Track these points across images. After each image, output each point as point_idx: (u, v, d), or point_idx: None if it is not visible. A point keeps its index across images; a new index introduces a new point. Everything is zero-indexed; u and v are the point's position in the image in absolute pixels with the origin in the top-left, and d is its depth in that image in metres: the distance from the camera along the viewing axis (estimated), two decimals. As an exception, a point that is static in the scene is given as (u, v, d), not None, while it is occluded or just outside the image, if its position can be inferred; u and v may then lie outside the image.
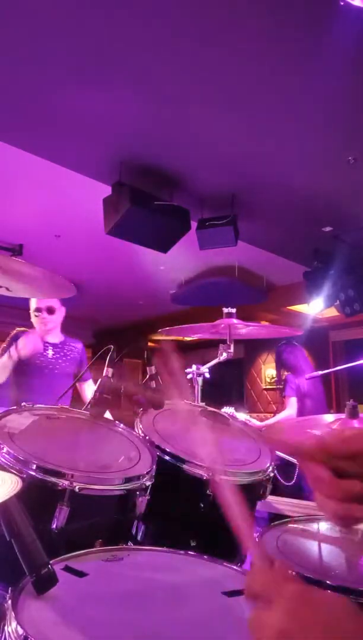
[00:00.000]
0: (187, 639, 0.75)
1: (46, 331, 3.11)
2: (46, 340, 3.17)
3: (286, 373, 4.21)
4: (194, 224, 4.29)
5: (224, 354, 2.06)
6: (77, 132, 3.43)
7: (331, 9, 2.31)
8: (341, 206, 4.48)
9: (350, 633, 0.44)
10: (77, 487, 1.03)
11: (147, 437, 1.34)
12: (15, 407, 1.36)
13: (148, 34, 2.57)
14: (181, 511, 1.26)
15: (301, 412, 3.95)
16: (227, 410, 3.73)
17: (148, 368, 1.46)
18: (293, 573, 0.98)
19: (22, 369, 2.97)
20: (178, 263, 5.82)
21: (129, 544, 1.19)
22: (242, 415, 3.95)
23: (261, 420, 4.49)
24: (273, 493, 1.45)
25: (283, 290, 6.88)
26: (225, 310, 2.12)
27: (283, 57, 2.70)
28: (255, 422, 4.08)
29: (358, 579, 1.01)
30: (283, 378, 4.25)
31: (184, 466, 1.24)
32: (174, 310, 7.93)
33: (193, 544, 1.19)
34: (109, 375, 1.36)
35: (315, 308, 5.61)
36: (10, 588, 0.79)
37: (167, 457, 1.26)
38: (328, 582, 0.95)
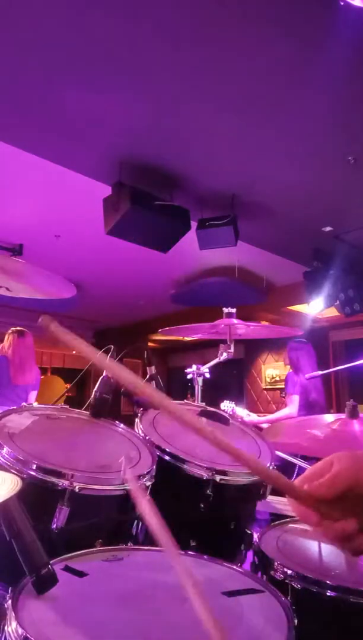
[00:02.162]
0: (187, 639, 0.75)
1: None
2: None
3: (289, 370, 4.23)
4: (194, 224, 4.29)
5: (225, 354, 2.06)
6: (77, 132, 3.43)
7: (331, 9, 2.31)
8: (341, 206, 4.48)
9: None
10: (77, 487, 1.03)
11: (147, 437, 1.34)
12: (15, 407, 1.36)
13: (148, 34, 2.57)
14: (181, 511, 1.26)
15: (302, 411, 3.95)
16: (227, 404, 3.73)
17: (147, 368, 1.46)
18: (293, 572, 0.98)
19: None
20: (178, 263, 5.82)
21: (129, 544, 1.19)
22: (242, 411, 3.96)
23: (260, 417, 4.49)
24: (273, 493, 1.45)
25: (283, 290, 6.88)
26: (225, 310, 2.12)
27: (283, 56, 2.70)
28: (254, 417, 4.08)
29: (358, 579, 1.01)
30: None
31: (184, 466, 1.24)
32: (174, 310, 7.93)
33: (193, 544, 1.19)
34: (109, 375, 1.35)
35: (315, 308, 5.61)
36: (10, 588, 0.79)
37: (167, 457, 1.26)
38: (328, 582, 0.95)
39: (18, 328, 4.20)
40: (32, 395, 4.18)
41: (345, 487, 0.58)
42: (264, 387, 8.46)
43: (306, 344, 4.20)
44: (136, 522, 1.25)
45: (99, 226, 4.06)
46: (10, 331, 4.18)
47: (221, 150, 3.64)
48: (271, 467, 1.35)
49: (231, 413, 2.79)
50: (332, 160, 3.71)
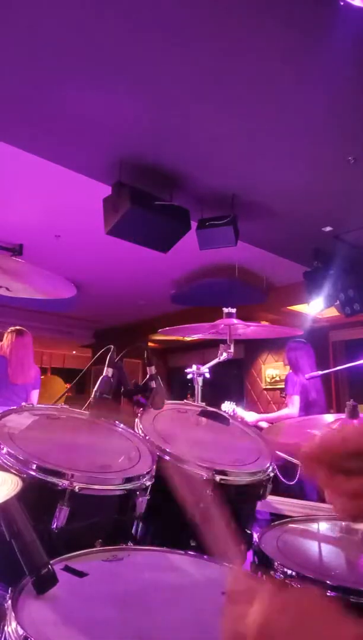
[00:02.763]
0: (187, 639, 0.75)
1: None
2: None
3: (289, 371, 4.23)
4: (194, 224, 4.29)
5: (225, 354, 2.06)
6: (77, 132, 3.43)
7: (331, 9, 2.31)
8: (341, 206, 4.48)
9: (318, 622, 0.47)
10: (77, 487, 1.03)
11: (147, 437, 1.34)
12: (15, 407, 1.36)
13: (148, 34, 2.57)
14: (181, 511, 1.25)
15: (302, 411, 3.95)
16: (228, 405, 3.73)
17: (148, 368, 1.46)
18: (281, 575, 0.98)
19: None
20: (178, 263, 5.82)
21: (129, 544, 1.19)
22: (243, 412, 3.95)
23: None
24: (273, 493, 1.45)
25: (283, 290, 6.88)
26: (225, 310, 2.12)
27: (283, 57, 2.70)
28: (254, 416, 4.08)
29: (358, 579, 1.01)
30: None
31: (184, 466, 1.24)
32: (174, 310, 7.93)
33: (193, 544, 1.19)
34: (109, 375, 1.35)
35: (315, 308, 5.60)
36: (10, 588, 0.79)
37: (167, 457, 1.26)
38: (328, 582, 0.95)
39: (17, 327, 4.20)
40: (34, 394, 4.18)
41: (358, 444, 0.58)
42: (264, 387, 8.46)
43: (305, 344, 4.20)
44: (136, 522, 1.25)
45: (99, 226, 4.06)
46: (8, 330, 4.17)
47: (221, 150, 3.64)
48: (270, 468, 1.35)
49: (232, 414, 2.79)
50: (332, 160, 3.71)
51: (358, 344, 6.98)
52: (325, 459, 0.58)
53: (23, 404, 1.40)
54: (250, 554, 1.22)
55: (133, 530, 1.26)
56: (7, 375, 3.96)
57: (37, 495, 1.03)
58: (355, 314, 5.40)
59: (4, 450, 1.07)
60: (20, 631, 0.69)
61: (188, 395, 2.93)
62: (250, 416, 3.89)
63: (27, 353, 4.13)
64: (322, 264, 5.34)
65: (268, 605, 0.49)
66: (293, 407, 4.00)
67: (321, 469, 0.58)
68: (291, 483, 3.25)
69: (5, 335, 4.15)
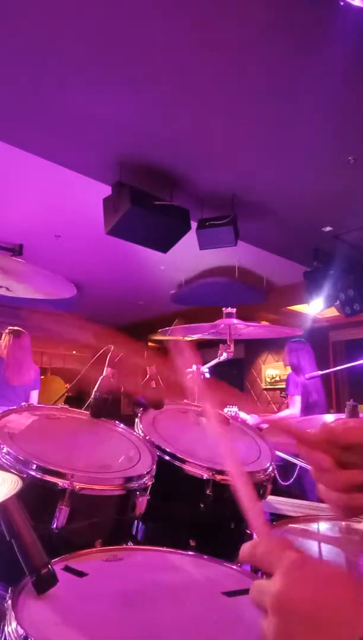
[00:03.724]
0: (187, 639, 0.74)
1: None
2: None
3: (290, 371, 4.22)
4: (194, 224, 4.29)
5: (225, 354, 2.06)
6: (77, 132, 3.43)
7: (331, 9, 2.31)
8: (341, 206, 4.48)
9: (341, 602, 0.45)
10: (77, 487, 1.03)
11: (147, 437, 1.34)
12: (15, 407, 1.36)
13: (148, 35, 2.57)
14: (181, 511, 1.26)
15: (303, 412, 3.95)
16: (231, 409, 3.72)
17: (148, 368, 1.46)
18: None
19: None
20: (178, 263, 5.82)
21: (129, 544, 1.19)
22: (245, 415, 3.95)
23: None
24: (273, 493, 1.45)
25: (283, 290, 6.88)
26: (225, 310, 2.12)
27: (283, 57, 2.70)
28: (256, 418, 4.08)
29: (358, 579, 1.01)
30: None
31: (184, 466, 1.24)
32: (174, 310, 7.93)
33: (192, 544, 1.19)
34: (109, 375, 1.35)
35: (315, 308, 5.60)
36: (10, 588, 0.79)
37: (167, 457, 1.26)
38: (328, 582, 0.95)
39: (15, 328, 4.16)
40: (34, 394, 4.16)
41: (358, 437, 0.58)
42: (264, 387, 8.46)
43: (305, 343, 4.20)
44: (136, 522, 1.25)
45: (99, 226, 4.06)
46: (6, 331, 4.14)
47: (221, 150, 3.64)
48: (270, 468, 1.35)
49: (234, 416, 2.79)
50: (332, 161, 3.71)
51: (358, 344, 6.98)
52: (324, 445, 0.58)
53: (23, 403, 1.40)
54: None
55: (133, 530, 1.26)
56: (4, 377, 3.94)
57: (37, 495, 1.02)
58: (355, 314, 5.40)
59: (4, 450, 1.07)
60: (20, 631, 0.69)
61: (188, 395, 2.93)
62: (252, 419, 3.89)
63: (25, 354, 4.08)
64: (322, 264, 5.34)
65: (290, 576, 0.48)
66: (294, 407, 4.00)
67: (319, 455, 0.58)
68: (287, 483, 3.25)
69: (3, 336, 4.12)
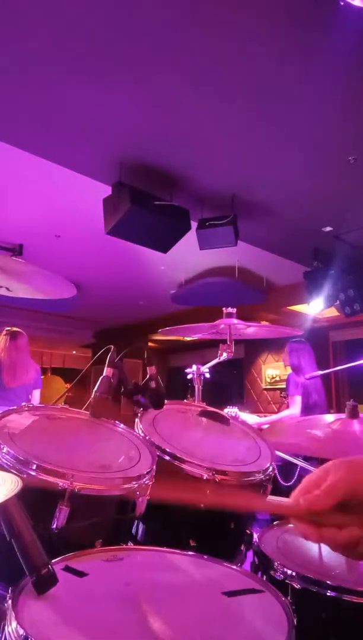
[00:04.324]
0: (187, 639, 0.75)
1: None
2: None
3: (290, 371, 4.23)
4: (194, 224, 4.29)
5: (225, 354, 2.06)
6: (77, 132, 3.43)
7: (331, 9, 2.31)
8: (341, 206, 4.48)
9: None
10: (77, 487, 1.03)
11: (147, 437, 1.34)
12: (15, 407, 1.36)
13: (148, 34, 2.57)
14: (181, 511, 1.26)
15: (303, 413, 3.95)
16: (230, 410, 3.73)
17: (148, 368, 1.46)
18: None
19: None
20: (178, 263, 5.82)
21: (129, 544, 1.19)
22: (246, 416, 3.95)
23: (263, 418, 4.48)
24: (273, 493, 1.45)
25: (283, 290, 6.88)
26: (225, 310, 2.12)
27: (283, 57, 2.70)
28: (256, 419, 4.08)
29: (358, 579, 1.01)
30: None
31: (184, 466, 1.24)
32: (174, 310, 7.93)
33: (193, 544, 1.19)
34: (109, 375, 1.35)
35: (315, 308, 5.60)
36: (10, 588, 0.79)
37: (167, 457, 1.26)
38: (328, 582, 0.95)
39: (12, 329, 4.10)
40: (36, 393, 4.13)
41: (342, 496, 0.58)
42: (264, 387, 8.46)
43: (305, 343, 4.20)
44: (136, 522, 1.25)
45: (99, 226, 4.06)
46: (3, 333, 4.09)
47: (221, 150, 3.64)
48: (270, 468, 1.35)
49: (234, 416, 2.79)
50: (332, 161, 3.71)
51: (358, 344, 6.98)
52: (312, 517, 0.58)
53: (23, 403, 1.40)
54: (250, 554, 1.22)
55: (133, 530, 1.26)
56: (1, 379, 3.91)
57: (37, 495, 1.02)
58: (355, 314, 5.40)
59: (4, 450, 1.07)
60: (21, 631, 0.69)
61: (188, 395, 2.93)
62: (252, 420, 3.90)
63: (21, 356, 4.02)
64: (322, 264, 5.34)
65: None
66: (294, 407, 4.00)
67: (308, 528, 0.58)
68: (289, 484, 3.25)
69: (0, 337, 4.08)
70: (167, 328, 2.27)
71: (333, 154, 3.62)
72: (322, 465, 0.62)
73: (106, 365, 1.36)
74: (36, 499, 1.01)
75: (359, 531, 0.56)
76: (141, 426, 1.39)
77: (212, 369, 2.15)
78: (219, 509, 1.21)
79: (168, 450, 1.27)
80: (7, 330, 4.10)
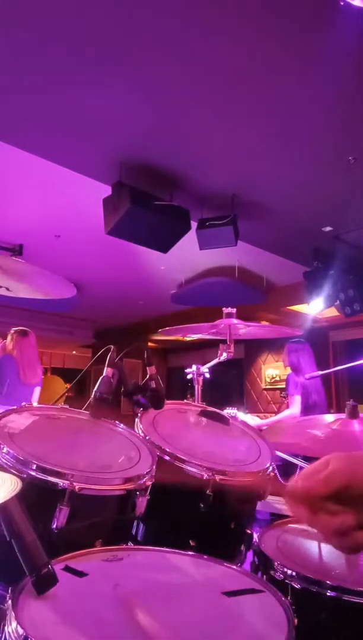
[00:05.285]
0: (187, 639, 0.74)
1: None
2: None
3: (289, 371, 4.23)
4: (194, 224, 4.29)
5: (225, 354, 2.06)
6: (77, 132, 3.43)
7: (331, 9, 2.31)
8: (341, 206, 4.48)
9: None
10: (77, 487, 1.03)
11: (147, 437, 1.34)
12: (15, 407, 1.36)
13: (148, 34, 2.57)
14: (181, 511, 1.26)
15: (303, 413, 3.95)
16: (230, 411, 3.73)
17: (148, 368, 1.46)
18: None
19: None
20: (178, 263, 5.82)
21: (129, 544, 1.19)
22: (245, 416, 3.95)
23: (263, 419, 4.49)
24: (273, 493, 1.45)
25: (283, 290, 6.88)
26: (225, 310, 2.12)
27: (283, 57, 2.70)
28: (257, 420, 4.08)
29: (358, 579, 1.01)
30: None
31: (184, 466, 1.24)
32: (174, 310, 7.93)
33: (192, 544, 1.19)
34: (109, 375, 1.35)
35: (315, 308, 5.61)
36: (10, 588, 0.79)
37: (167, 457, 1.26)
38: (328, 582, 0.95)
39: (20, 328, 4.20)
40: (36, 391, 4.19)
41: (340, 485, 0.59)
42: (264, 387, 8.46)
43: (304, 344, 4.20)
44: (136, 522, 1.25)
45: (99, 226, 4.06)
46: (12, 331, 4.17)
47: (221, 150, 3.64)
48: (270, 468, 1.35)
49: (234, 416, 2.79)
50: (332, 160, 3.71)
51: (358, 344, 6.98)
52: (308, 501, 0.60)
53: (23, 403, 1.40)
54: (250, 554, 1.22)
55: (133, 530, 1.26)
56: (18, 376, 3.98)
57: (37, 495, 1.02)
58: (355, 314, 5.40)
59: (4, 450, 1.07)
60: (21, 631, 0.69)
61: (188, 395, 2.93)
62: (252, 421, 3.89)
63: (34, 352, 4.16)
64: (322, 264, 5.35)
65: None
66: (294, 407, 4.00)
67: (305, 511, 0.60)
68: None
69: (10, 336, 4.15)
70: (167, 328, 2.27)
71: (333, 154, 3.62)
72: (322, 458, 0.63)
73: (106, 365, 1.36)
74: (36, 499, 1.01)
75: (351, 520, 0.57)
76: (141, 426, 1.39)
77: (212, 369, 2.15)
78: (219, 509, 1.21)
79: (168, 450, 1.27)
80: (15, 329, 4.18)
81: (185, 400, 1.87)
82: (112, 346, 1.39)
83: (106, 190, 3.99)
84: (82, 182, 4.06)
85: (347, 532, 0.58)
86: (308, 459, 2.58)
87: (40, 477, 1.04)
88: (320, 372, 2.99)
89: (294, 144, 3.53)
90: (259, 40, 2.59)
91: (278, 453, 2.12)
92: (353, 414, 1.46)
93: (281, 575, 1.00)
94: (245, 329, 2.21)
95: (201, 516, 1.20)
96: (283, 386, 4.67)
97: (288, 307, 7.13)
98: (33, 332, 4.21)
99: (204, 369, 2.14)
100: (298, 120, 3.24)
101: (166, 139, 3.53)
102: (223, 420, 1.61)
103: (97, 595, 0.83)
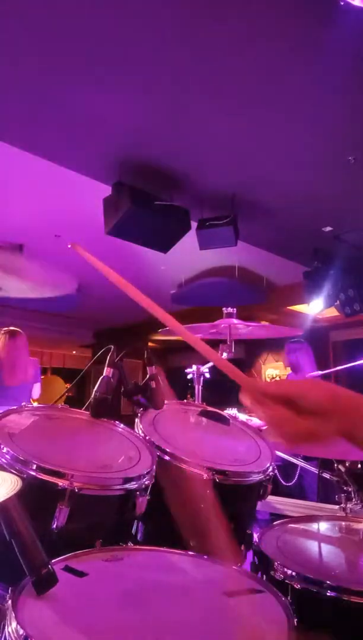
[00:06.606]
0: (187, 639, 0.75)
1: None
2: None
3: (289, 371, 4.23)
4: (194, 224, 4.29)
5: (225, 354, 2.06)
6: (77, 132, 3.43)
7: (331, 9, 2.31)
8: (341, 206, 4.48)
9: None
10: (77, 487, 1.03)
11: (147, 437, 1.34)
12: (15, 407, 1.36)
13: (148, 34, 2.57)
14: (181, 511, 1.25)
15: None
16: (229, 411, 3.73)
17: (148, 368, 1.46)
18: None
19: None
20: (178, 263, 5.82)
21: (129, 544, 1.19)
22: (244, 416, 3.94)
23: None
24: (273, 493, 1.45)
25: (283, 290, 6.88)
26: (225, 310, 2.12)
27: (283, 56, 2.70)
28: (256, 421, 4.08)
29: (358, 579, 1.01)
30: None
31: (184, 466, 1.24)
32: (174, 310, 7.93)
33: (192, 544, 1.19)
34: (109, 375, 1.35)
35: (315, 308, 5.60)
36: (10, 588, 0.79)
37: (167, 457, 1.26)
38: (328, 582, 0.95)
39: (10, 328, 4.13)
40: (36, 387, 4.15)
41: (287, 392, 0.68)
42: (264, 387, 8.45)
43: (304, 344, 4.20)
44: (136, 522, 1.25)
45: (99, 226, 4.06)
46: (1, 332, 4.12)
47: (221, 150, 3.64)
48: (270, 468, 1.35)
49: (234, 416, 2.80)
50: (332, 160, 3.71)
51: (358, 344, 6.98)
52: (255, 393, 0.69)
53: (23, 403, 1.40)
54: (250, 554, 1.22)
55: (133, 530, 1.26)
56: (1, 378, 3.94)
57: (37, 495, 1.02)
58: (355, 314, 5.40)
59: (4, 450, 1.07)
60: (21, 631, 0.69)
61: (188, 395, 2.93)
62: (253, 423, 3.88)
63: (20, 354, 4.04)
64: (321, 264, 5.34)
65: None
66: None
67: (254, 401, 0.68)
68: (290, 484, 3.25)
69: None
70: (167, 328, 2.27)
71: (333, 154, 3.62)
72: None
73: (106, 365, 1.36)
74: (36, 499, 1.01)
75: (288, 414, 0.66)
76: (141, 426, 1.39)
77: (212, 369, 2.15)
78: (219, 509, 1.21)
79: (168, 450, 1.27)
80: (5, 329, 4.11)
81: (185, 400, 1.87)
82: (112, 346, 1.39)
83: (106, 190, 3.98)
84: (82, 182, 4.06)
85: (281, 422, 0.66)
86: (308, 459, 2.58)
87: (40, 477, 1.04)
88: (320, 372, 2.99)
89: (294, 144, 3.53)
90: (259, 40, 2.59)
91: (278, 453, 2.12)
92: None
93: (281, 576, 1.00)
94: (245, 329, 2.21)
95: (201, 516, 1.19)
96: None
97: (288, 307, 7.13)
98: (24, 333, 4.11)
99: (204, 369, 2.14)
100: (298, 120, 3.24)
101: (167, 139, 3.53)
102: (223, 420, 1.61)
103: (97, 595, 0.83)
